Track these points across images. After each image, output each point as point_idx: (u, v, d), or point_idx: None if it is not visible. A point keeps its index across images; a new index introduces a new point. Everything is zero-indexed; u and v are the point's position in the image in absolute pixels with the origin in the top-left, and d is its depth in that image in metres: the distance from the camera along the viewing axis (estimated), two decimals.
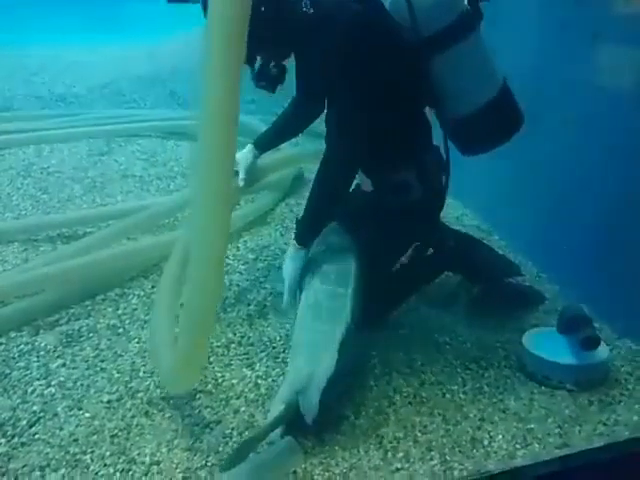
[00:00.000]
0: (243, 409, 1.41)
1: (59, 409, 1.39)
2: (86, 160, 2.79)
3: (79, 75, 3.97)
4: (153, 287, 1.90)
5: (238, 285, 1.93)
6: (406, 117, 1.58)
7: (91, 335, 1.67)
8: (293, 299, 1.56)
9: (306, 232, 1.57)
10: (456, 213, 2.38)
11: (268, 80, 1.53)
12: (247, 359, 1.58)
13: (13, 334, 1.66)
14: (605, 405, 1.43)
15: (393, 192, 1.62)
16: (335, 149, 1.51)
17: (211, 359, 1.58)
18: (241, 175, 1.87)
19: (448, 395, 1.46)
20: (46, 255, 2.01)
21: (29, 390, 1.45)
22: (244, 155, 1.88)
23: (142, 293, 1.86)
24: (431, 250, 1.82)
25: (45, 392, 1.45)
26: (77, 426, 1.34)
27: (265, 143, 1.90)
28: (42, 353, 1.59)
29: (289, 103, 1.84)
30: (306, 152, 2.98)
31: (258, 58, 1.52)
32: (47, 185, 2.55)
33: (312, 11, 1.45)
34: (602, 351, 1.53)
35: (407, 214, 1.59)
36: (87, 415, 1.38)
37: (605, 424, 1.37)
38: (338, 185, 1.53)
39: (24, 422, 1.35)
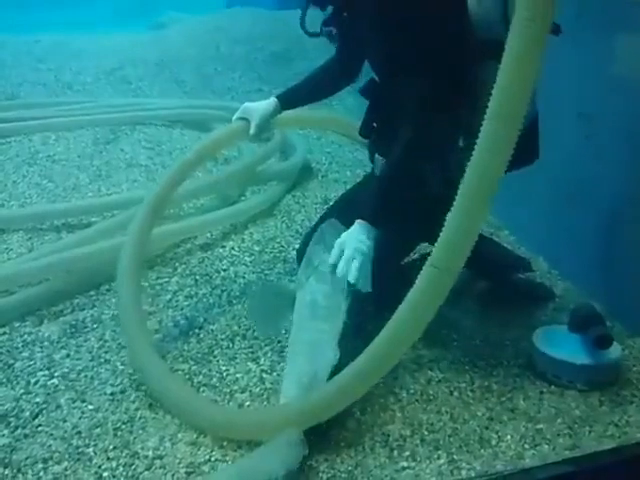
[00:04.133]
0: (248, 403, 1.39)
1: (62, 401, 1.38)
2: (92, 148, 2.77)
3: (86, 62, 3.94)
4: (157, 278, 1.89)
5: (244, 277, 1.91)
6: (457, 108, 1.49)
7: (95, 326, 1.66)
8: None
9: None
10: None
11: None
12: (252, 352, 1.56)
13: (17, 324, 1.65)
14: (616, 405, 1.40)
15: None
16: (418, 124, 1.41)
17: (215, 352, 1.56)
18: (253, 128, 1.73)
19: (456, 393, 1.43)
20: (51, 244, 1.99)
21: (32, 381, 1.44)
22: (263, 106, 1.72)
23: (146, 284, 1.85)
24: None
25: (48, 383, 1.44)
26: (80, 418, 1.33)
27: (291, 100, 1.75)
28: (46, 343, 1.58)
29: (325, 61, 1.73)
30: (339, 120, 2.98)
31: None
32: (52, 173, 2.53)
33: None
34: (614, 350, 1.49)
35: (418, 206, 1.55)
36: (90, 407, 1.37)
37: (616, 425, 1.34)
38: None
39: (27, 413, 1.34)
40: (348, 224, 1.47)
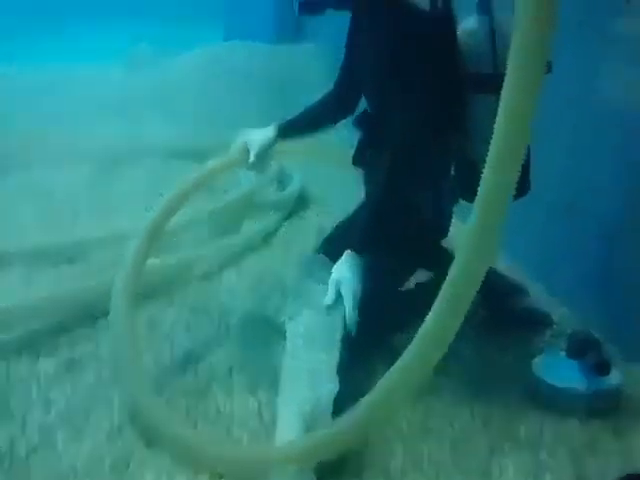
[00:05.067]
0: (245, 438, 1.37)
1: (58, 437, 1.36)
2: (90, 181, 2.79)
3: (85, 92, 4.00)
4: (154, 309, 1.88)
5: (241, 308, 1.91)
6: (445, 141, 1.55)
7: (92, 361, 1.64)
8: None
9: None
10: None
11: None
12: (250, 386, 1.53)
13: (13, 358, 1.63)
14: (618, 434, 1.39)
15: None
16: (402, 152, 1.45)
17: (213, 386, 1.54)
18: (252, 157, 1.74)
19: (456, 424, 1.42)
20: (49, 277, 1.99)
21: (28, 418, 1.42)
22: (262, 134, 1.75)
23: (143, 315, 1.83)
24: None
25: (44, 420, 1.42)
26: (76, 455, 1.31)
27: (290, 130, 1.78)
28: (42, 379, 1.56)
29: (323, 95, 1.77)
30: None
31: None
32: (51, 205, 2.55)
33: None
34: (614, 376, 1.49)
35: (409, 234, 1.56)
36: (87, 444, 1.34)
37: (619, 453, 1.32)
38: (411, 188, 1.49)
39: (22, 452, 1.32)
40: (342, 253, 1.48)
